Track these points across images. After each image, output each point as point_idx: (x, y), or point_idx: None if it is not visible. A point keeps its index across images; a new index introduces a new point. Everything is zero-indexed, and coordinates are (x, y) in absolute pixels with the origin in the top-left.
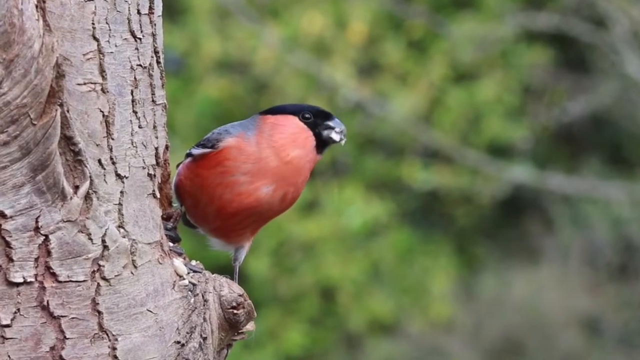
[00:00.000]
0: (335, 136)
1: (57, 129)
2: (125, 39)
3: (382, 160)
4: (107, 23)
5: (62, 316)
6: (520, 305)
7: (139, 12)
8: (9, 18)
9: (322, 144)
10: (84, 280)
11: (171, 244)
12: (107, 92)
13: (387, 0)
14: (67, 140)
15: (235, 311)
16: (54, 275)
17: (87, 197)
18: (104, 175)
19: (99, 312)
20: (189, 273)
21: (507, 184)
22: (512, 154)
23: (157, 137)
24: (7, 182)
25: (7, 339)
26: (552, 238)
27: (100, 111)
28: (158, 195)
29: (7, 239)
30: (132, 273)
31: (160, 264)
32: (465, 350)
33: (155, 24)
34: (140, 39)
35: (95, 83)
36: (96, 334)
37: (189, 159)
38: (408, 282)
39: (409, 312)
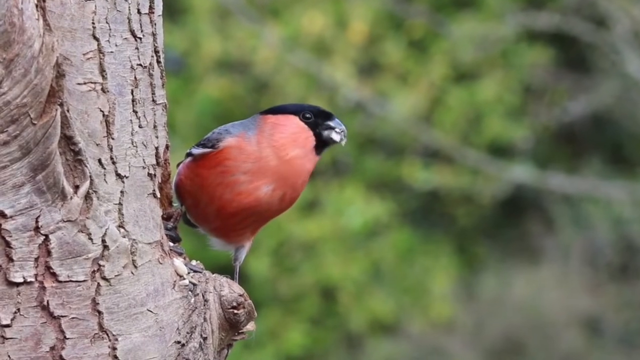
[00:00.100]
0: (335, 136)
1: (57, 129)
2: (126, 38)
3: (383, 160)
4: (107, 22)
5: (62, 316)
6: (521, 305)
7: (139, 12)
8: (9, 17)
9: (322, 144)
10: (84, 280)
11: (171, 244)
12: (107, 91)
13: (388, 0)
14: (67, 140)
15: (235, 311)
16: (54, 275)
17: (87, 197)
18: (104, 175)
19: (99, 312)
20: (189, 273)
21: (508, 184)
22: (513, 154)
23: (157, 137)
24: (7, 182)
25: (7, 339)
26: (553, 238)
27: (101, 111)
28: (158, 195)
29: (7, 238)
30: (132, 273)
31: (161, 263)
32: (465, 350)
33: (155, 24)
34: (140, 38)
35: (95, 82)
36: (96, 334)
37: (189, 159)
38: (408, 282)
39: (409, 312)
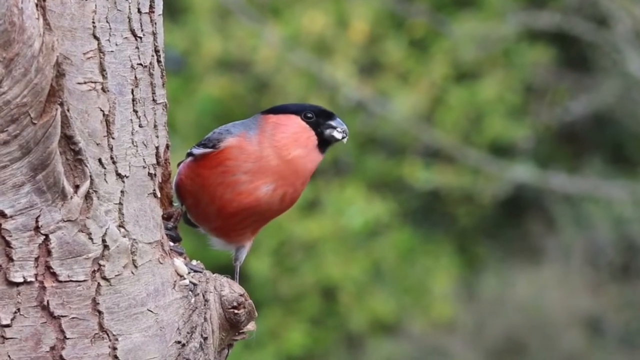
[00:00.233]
0: (337, 134)
1: (58, 128)
2: (126, 37)
3: (384, 160)
4: (107, 22)
5: (62, 316)
6: (522, 305)
7: (139, 11)
8: (9, 17)
9: (324, 143)
10: (84, 280)
11: (172, 244)
12: (108, 91)
13: None
14: (68, 140)
15: (236, 311)
16: (54, 275)
17: (87, 197)
18: (105, 174)
19: (100, 312)
20: (189, 273)
21: (509, 184)
22: (514, 154)
23: (157, 136)
24: (7, 182)
25: (7, 339)
26: (554, 238)
27: (101, 110)
28: (158, 194)
29: (7, 238)
30: (132, 273)
31: (161, 263)
32: (466, 350)
33: (155, 23)
34: (140, 37)
35: (95, 82)
36: (96, 334)
37: (190, 159)
38: (409, 282)
39: (410, 312)
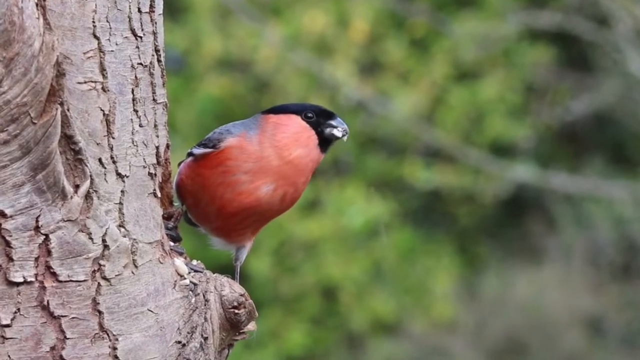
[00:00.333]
0: (337, 132)
1: (58, 128)
2: (126, 37)
3: (384, 160)
4: (107, 21)
5: (62, 316)
6: (523, 305)
7: (139, 11)
8: (9, 16)
9: (325, 142)
10: (84, 280)
11: (172, 244)
12: (108, 90)
13: None
14: (68, 139)
15: (236, 311)
16: (54, 274)
17: (87, 197)
18: (105, 174)
19: (100, 312)
20: (189, 272)
21: (510, 183)
22: (515, 153)
23: (157, 136)
24: (7, 181)
25: (7, 338)
26: (555, 237)
27: (101, 110)
28: (159, 194)
29: (7, 238)
30: (132, 273)
31: (161, 263)
32: (467, 350)
33: (156, 23)
34: (141, 37)
35: (95, 82)
36: (97, 333)
37: (190, 158)
38: (410, 282)
39: (411, 312)
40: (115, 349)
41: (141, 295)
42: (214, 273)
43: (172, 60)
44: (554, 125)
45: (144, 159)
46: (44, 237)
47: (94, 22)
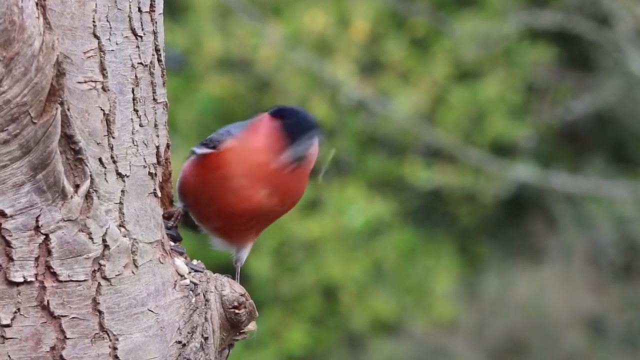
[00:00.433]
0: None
1: (58, 128)
2: (126, 37)
3: (385, 159)
4: (107, 21)
5: (62, 316)
6: (524, 305)
7: (139, 10)
8: (9, 16)
9: None
10: (84, 280)
11: (172, 243)
12: (108, 90)
13: None
14: (68, 139)
15: (236, 311)
16: (54, 274)
17: (87, 196)
18: (105, 174)
19: (100, 312)
20: (190, 272)
21: (511, 183)
22: (516, 153)
23: (158, 136)
24: (7, 181)
25: (7, 338)
26: (556, 237)
27: (101, 109)
28: (159, 194)
29: (7, 238)
30: (133, 272)
31: (162, 263)
32: (468, 350)
33: (156, 22)
34: (141, 36)
35: (95, 81)
36: (97, 333)
37: (193, 157)
38: (411, 282)
39: (411, 311)
40: (115, 349)
41: (141, 295)
42: (214, 273)
43: (172, 59)
44: (554, 125)
45: (144, 158)
46: (44, 237)
47: (94, 21)
